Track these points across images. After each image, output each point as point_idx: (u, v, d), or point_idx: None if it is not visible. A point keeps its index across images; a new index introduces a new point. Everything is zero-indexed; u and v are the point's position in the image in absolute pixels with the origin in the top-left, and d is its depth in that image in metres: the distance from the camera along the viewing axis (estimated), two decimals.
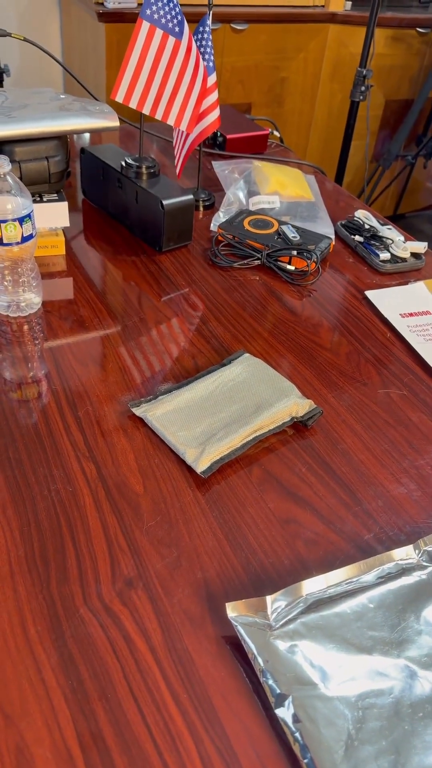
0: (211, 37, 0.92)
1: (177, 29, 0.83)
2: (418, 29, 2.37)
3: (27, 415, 0.66)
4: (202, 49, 0.92)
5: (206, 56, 0.91)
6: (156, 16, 0.81)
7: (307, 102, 2.40)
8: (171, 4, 0.82)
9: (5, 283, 0.75)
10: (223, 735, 0.43)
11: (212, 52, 0.92)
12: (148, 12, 0.81)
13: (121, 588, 0.51)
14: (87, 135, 1.35)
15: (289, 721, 0.43)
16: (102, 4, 1.91)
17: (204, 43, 0.91)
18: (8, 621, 0.48)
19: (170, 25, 0.83)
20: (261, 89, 2.28)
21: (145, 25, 0.81)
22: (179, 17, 0.83)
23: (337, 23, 2.24)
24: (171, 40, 0.83)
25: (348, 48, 2.30)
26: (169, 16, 0.82)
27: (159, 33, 0.82)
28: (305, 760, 0.41)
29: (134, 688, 0.45)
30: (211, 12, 0.91)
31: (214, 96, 0.94)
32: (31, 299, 0.78)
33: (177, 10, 0.82)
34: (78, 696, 0.44)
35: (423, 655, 0.47)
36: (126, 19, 1.89)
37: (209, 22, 0.91)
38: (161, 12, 0.81)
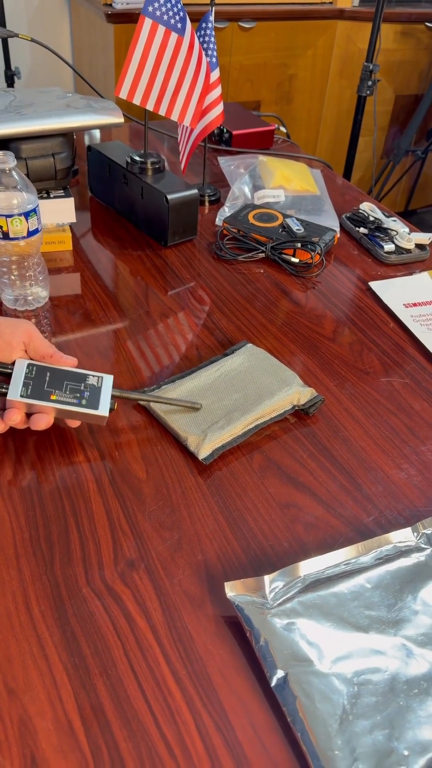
0: (214, 33, 0.93)
1: (179, 25, 0.84)
2: (426, 24, 2.36)
3: None
4: (205, 45, 0.93)
5: (209, 52, 0.92)
6: (158, 12, 0.83)
7: (316, 99, 2.40)
8: (173, 1, 0.83)
9: (12, 277, 0.77)
10: (221, 710, 0.44)
11: (215, 48, 0.93)
12: (150, 9, 0.82)
13: (123, 569, 0.52)
14: (98, 134, 1.37)
15: (286, 695, 0.44)
16: (110, 5, 1.93)
17: (207, 39, 0.92)
18: (13, 601, 0.49)
19: (172, 21, 0.84)
20: (270, 87, 2.29)
21: (148, 22, 0.83)
22: (181, 14, 0.84)
23: (345, 19, 2.24)
24: (173, 36, 0.84)
25: (356, 44, 2.30)
26: (171, 13, 0.83)
27: (161, 30, 0.84)
28: (300, 734, 0.42)
29: (134, 664, 0.46)
30: (213, 8, 0.92)
31: (217, 91, 0.95)
32: (38, 293, 0.80)
33: (179, 6, 0.83)
34: (80, 672, 0.45)
35: (420, 634, 0.48)
36: (134, 19, 1.91)
37: (212, 18, 0.92)
38: (163, 9, 0.82)
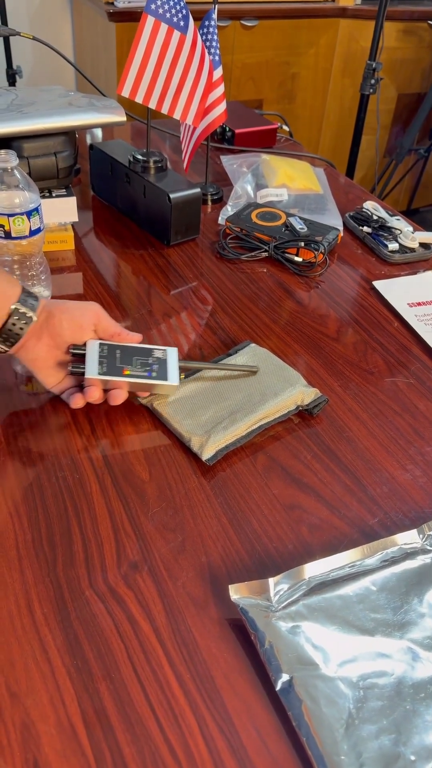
0: (216, 31, 0.92)
1: (182, 23, 0.84)
2: (429, 22, 2.35)
3: (36, 406, 0.67)
4: (207, 43, 0.92)
5: (212, 50, 0.92)
6: (161, 10, 0.82)
7: (318, 97, 2.39)
8: None
9: (14, 276, 0.76)
10: (225, 713, 0.44)
11: (218, 46, 0.92)
12: (153, 7, 0.82)
13: (126, 571, 0.52)
14: (100, 133, 1.37)
15: (291, 699, 0.43)
16: (112, 3, 1.93)
17: (210, 37, 0.92)
18: (15, 603, 0.49)
19: (175, 19, 0.83)
20: (272, 86, 2.28)
21: (150, 20, 0.82)
22: (184, 11, 0.83)
23: (347, 18, 2.23)
24: (176, 34, 0.84)
25: (359, 42, 2.29)
26: (173, 11, 0.83)
27: (164, 27, 0.83)
28: (306, 738, 0.42)
29: (138, 668, 0.46)
30: (216, 6, 0.92)
31: (220, 90, 0.94)
32: (40, 293, 0.79)
33: (182, 4, 0.83)
34: (82, 675, 0.45)
35: (426, 637, 0.48)
36: (136, 18, 1.90)
37: (215, 16, 0.92)
38: (166, 6, 0.82)
